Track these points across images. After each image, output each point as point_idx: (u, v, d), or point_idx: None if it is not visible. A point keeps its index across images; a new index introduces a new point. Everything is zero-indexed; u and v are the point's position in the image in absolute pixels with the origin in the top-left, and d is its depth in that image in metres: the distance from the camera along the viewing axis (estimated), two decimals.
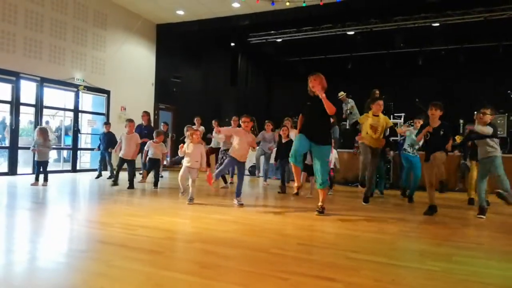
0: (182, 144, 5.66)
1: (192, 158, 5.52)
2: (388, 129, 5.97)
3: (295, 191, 5.87)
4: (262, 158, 8.81)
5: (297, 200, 6.22)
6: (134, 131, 7.36)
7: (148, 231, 3.65)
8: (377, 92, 9.81)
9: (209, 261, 2.82)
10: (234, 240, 3.45)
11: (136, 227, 3.79)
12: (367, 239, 3.75)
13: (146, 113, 8.99)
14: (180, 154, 5.63)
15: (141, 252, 3.00)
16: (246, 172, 10.96)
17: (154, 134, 7.43)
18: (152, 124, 10.11)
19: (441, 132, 5.15)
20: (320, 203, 4.87)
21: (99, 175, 8.68)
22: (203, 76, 14.24)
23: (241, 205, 5.28)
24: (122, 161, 7.11)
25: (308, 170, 6.25)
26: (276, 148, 7.62)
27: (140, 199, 5.98)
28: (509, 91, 9.45)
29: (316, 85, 4.62)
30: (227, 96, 14.30)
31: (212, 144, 9.13)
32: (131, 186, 6.85)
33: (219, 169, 5.62)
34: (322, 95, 4.53)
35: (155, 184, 7.18)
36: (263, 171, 8.71)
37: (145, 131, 8.50)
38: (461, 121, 9.83)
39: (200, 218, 4.46)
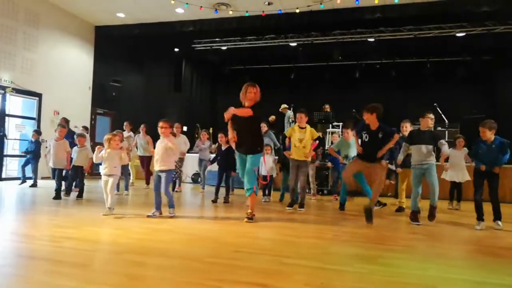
0: (99, 146, 5.17)
1: (109, 164, 5.09)
2: (316, 141, 5.99)
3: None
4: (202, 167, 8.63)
5: (237, 208, 6.21)
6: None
7: (74, 243, 3.45)
8: (327, 107, 10.33)
9: (139, 272, 2.72)
10: (169, 250, 3.36)
11: (62, 239, 3.56)
12: (302, 244, 3.85)
13: (63, 119, 8.69)
14: (95, 159, 5.22)
15: (66, 265, 2.82)
16: (189, 179, 10.79)
17: (75, 137, 6.98)
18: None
19: (380, 135, 4.91)
20: (249, 210, 4.91)
21: (23, 181, 8.37)
22: (145, 81, 13.83)
23: (171, 217, 4.93)
24: (53, 171, 6.51)
25: None
26: (215, 156, 7.57)
27: (68, 210, 5.61)
28: (435, 104, 10.26)
29: (251, 98, 4.90)
30: (171, 103, 13.97)
31: (139, 152, 8.69)
32: (57, 196, 6.35)
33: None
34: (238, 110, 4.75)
35: (79, 194, 6.61)
36: (201, 179, 8.54)
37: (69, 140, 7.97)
38: None
39: (132, 228, 4.28)
